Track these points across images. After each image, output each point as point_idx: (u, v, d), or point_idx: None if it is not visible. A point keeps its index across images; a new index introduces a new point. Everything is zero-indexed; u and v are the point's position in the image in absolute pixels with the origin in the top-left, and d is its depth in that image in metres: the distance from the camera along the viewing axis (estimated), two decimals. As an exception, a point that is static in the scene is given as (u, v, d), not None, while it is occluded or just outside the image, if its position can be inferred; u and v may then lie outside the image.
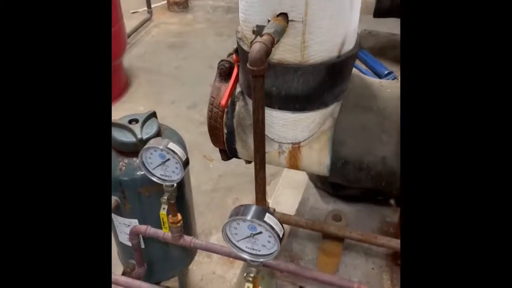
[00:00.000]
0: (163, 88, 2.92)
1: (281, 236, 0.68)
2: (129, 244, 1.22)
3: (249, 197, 2.06)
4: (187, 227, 1.18)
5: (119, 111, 2.78)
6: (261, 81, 0.87)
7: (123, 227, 1.19)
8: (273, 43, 0.85)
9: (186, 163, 0.88)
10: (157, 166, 0.89)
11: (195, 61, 3.15)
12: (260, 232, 0.69)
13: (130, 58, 3.19)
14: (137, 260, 1.18)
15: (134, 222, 1.16)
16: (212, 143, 1.29)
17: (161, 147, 0.86)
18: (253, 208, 0.69)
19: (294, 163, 1.20)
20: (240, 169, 2.18)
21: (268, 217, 0.67)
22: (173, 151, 0.86)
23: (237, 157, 1.31)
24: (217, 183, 2.16)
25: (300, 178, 1.93)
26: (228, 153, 1.30)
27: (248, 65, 0.83)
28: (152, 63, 3.21)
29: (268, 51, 0.83)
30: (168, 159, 0.87)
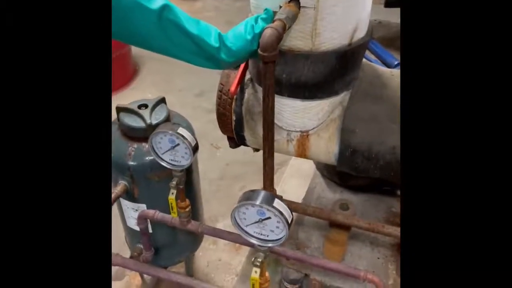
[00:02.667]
0: (171, 76, 2.92)
1: (289, 221, 0.68)
2: (137, 228, 1.23)
3: (256, 186, 2.05)
4: (195, 213, 1.19)
5: (128, 98, 2.78)
6: (272, 67, 0.86)
7: (131, 212, 1.20)
8: (284, 29, 0.85)
9: (195, 149, 0.88)
10: (167, 151, 0.90)
11: (203, 49, 3.13)
12: (269, 217, 0.69)
13: (139, 45, 3.19)
14: (145, 244, 1.19)
15: (142, 207, 1.17)
16: (221, 130, 1.29)
17: (170, 132, 0.86)
18: (262, 193, 0.69)
19: (302, 152, 1.20)
20: (247, 157, 2.19)
21: (277, 203, 0.67)
22: (182, 136, 0.86)
23: (245, 144, 1.32)
24: (224, 171, 2.17)
25: (306, 167, 1.93)
26: (237, 140, 1.30)
27: (259, 50, 0.82)
28: (161, 50, 3.20)
29: (279, 37, 0.83)
30: (178, 144, 0.88)
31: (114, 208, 1.22)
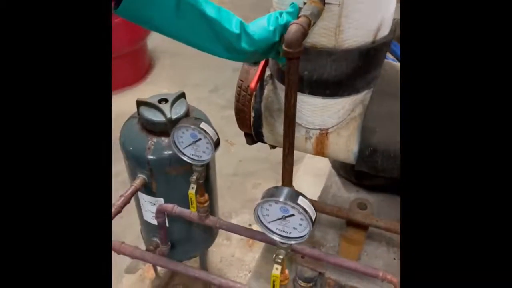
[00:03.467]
0: (186, 71, 2.93)
1: (313, 219, 0.68)
2: (153, 222, 1.24)
3: (269, 183, 2.07)
4: (211, 209, 1.19)
5: (143, 92, 2.81)
6: (296, 63, 0.86)
7: (149, 205, 1.21)
8: (309, 25, 0.84)
9: (217, 144, 0.88)
10: (188, 146, 0.90)
11: (218, 45, 3.13)
12: (292, 215, 0.68)
13: (155, 40, 3.20)
14: (162, 238, 1.20)
15: (160, 200, 1.17)
16: (238, 126, 1.29)
17: (193, 126, 0.86)
18: (286, 190, 0.69)
19: (320, 150, 1.19)
20: (261, 154, 2.19)
21: (301, 200, 0.67)
22: (205, 131, 0.86)
23: (262, 141, 1.31)
24: (237, 167, 2.17)
25: (321, 165, 1.92)
26: (254, 137, 1.30)
27: (284, 46, 0.82)
28: (176, 45, 3.18)
29: (305, 33, 0.82)
30: (200, 139, 0.88)
31: (131, 201, 1.22)
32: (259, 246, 1.72)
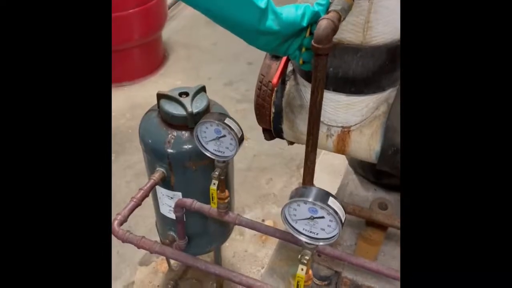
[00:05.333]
0: (200, 64, 2.91)
1: (343, 221, 0.66)
2: (170, 216, 1.24)
3: (282, 178, 2.05)
4: (229, 204, 1.18)
5: (157, 84, 2.80)
6: (324, 60, 0.84)
7: (166, 199, 1.20)
8: (340, 20, 0.82)
9: (241, 140, 0.87)
10: (211, 141, 0.88)
11: (233, 39, 3.08)
12: (322, 217, 0.67)
13: (169, 31, 3.19)
14: (179, 232, 1.19)
15: (178, 195, 1.16)
16: (258, 122, 1.27)
17: (217, 122, 0.85)
18: (316, 190, 0.67)
19: (341, 148, 1.17)
20: (275, 150, 2.17)
21: (331, 201, 0.65)
22: (229, 126, 0.84)
23: (281, 137, 1.29)
24: (251, 162, 2.16)
25: (337, 162, 1.90)
26: (273, 133, 1.28)
27: (313, 42, 0.80)
28: (190, 37, 3.20)
29: (335, 29, 0.80)
30: (224, 135, 0.86)
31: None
32: (272, 242, 1.72)
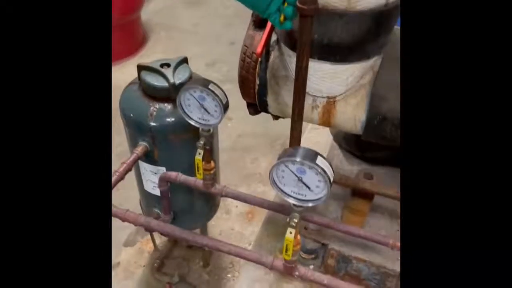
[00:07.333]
0: (181, 45, 2.86)
1: (331, 180, 0.65)
2: (154, 192, 1.21)
3: (267, 158, 2.04)
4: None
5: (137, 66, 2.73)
6: (309, 22, 0.82)
7: (150, 175, 1.17)
8: (325, -18, 0.80)
9: (226, 107, 0.84)
10: (196, 109, 0.86)
11: (214, 19, 3.06)
12: (309, 176, 0.66)
13: (148, 13, 3.11)
14: (164, 207, 1.17)
15: (162, 169, 1.14)
16: (242, 95, 1.25)
17: (201, 87, 0.82)
18: (303, 149, 0.66)
19: (327, 119, 1.16)
20: (259, 129, 2.16)
21: (320, 160, 0.64)
22: (213, 92, 0.82)
23: (266, 111, 1.28)
24: (235, 142, 2.14)
25: (322, 140, 1.90)
26: (258, 106, 1.26)
27: (298, 3, 0.78)
28: (170, 19, 3.13)
29: (320, -11, 0.78)
30: (208, 101, 0.84)
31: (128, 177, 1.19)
32: (259, 220, 1.71)
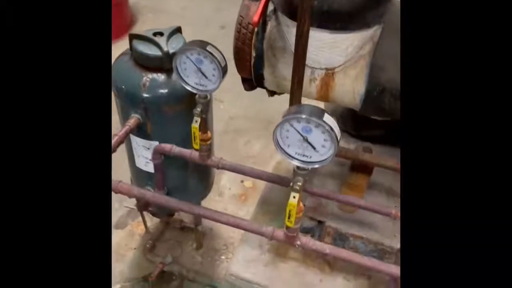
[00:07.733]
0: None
1: (338, 139, 0.63)
2: (146, 169, 1.17)
3: (260, 141, 2.01)
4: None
5: (124, 49, 2.66)
6: (312, -18, 0.79)
7: (142, 150, 1.13)
8: None
9: (225, 70, 0.81)
10: (192, 73, 0.82)
11: (202, 2, 3.01)
12: (315, 135, 0.63)
13: (135, -5, 3.04)
14: (158, 182, 1.13)
15: (155, 144, 1.10)
16: (237, 68, 1.21)
17: (198, 49, 0.78)
18: (309, 106, 0.63)
19: (325, 93, 1.13)
20: (252, 112, 2.12)
21: (327, 117, 0.61)
22: (212, 54, 0.78)
23: (262, 86, 1.24)
24: (227, 125, 2.10)
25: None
26: (254, 81, 1.23)
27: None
28: (158, 2, 3.06)
29: None
30: (205, 64, 0.80)
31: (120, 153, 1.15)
32: (252, 202, 1.69)
